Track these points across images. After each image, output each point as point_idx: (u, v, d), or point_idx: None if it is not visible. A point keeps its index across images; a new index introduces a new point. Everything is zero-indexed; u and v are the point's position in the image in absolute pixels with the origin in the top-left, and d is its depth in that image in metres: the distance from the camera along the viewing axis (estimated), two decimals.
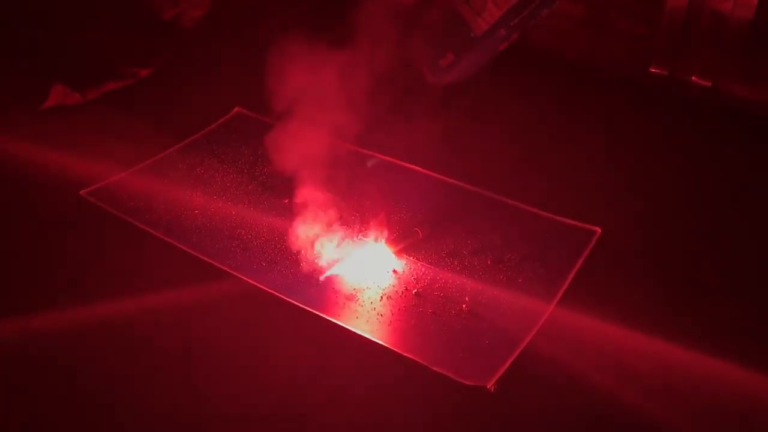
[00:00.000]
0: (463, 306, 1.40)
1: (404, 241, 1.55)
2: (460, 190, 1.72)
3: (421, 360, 1.28)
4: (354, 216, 1.61)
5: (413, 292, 1.44)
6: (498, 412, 1.21)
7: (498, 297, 1.42)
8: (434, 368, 1.27)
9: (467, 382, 1.24)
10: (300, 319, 1.38)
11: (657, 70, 2.02)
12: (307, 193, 1.55)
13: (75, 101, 2.00)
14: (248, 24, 2.41)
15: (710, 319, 1.37)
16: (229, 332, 1.37)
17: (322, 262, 1.50)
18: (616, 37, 2.10)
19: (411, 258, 1.52)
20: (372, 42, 1.56)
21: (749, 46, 1.88)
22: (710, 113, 1.95)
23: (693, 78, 1.98)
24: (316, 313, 1.38)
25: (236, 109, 2.02)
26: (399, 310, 1.40)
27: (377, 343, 1.33)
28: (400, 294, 1.44)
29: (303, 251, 1.51)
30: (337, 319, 1.37)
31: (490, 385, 1.24)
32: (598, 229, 1.56)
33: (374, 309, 1.40)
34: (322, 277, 1.47)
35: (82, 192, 1.68)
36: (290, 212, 1.59)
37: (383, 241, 1.54)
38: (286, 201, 1.64)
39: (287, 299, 1.41)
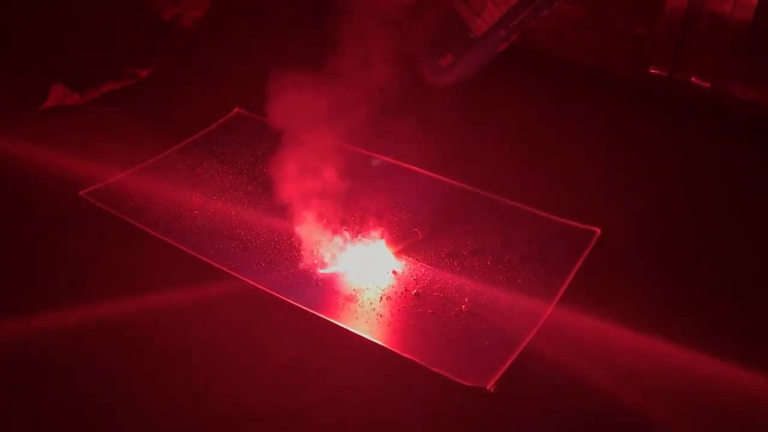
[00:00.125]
0: (463, 307, 1.40)
1: (404, 242, 1.55)
2: (460, 190, 1.72)
3: (420, 361, 1.28)
4: (354, 217, 1.61)
5: (413, 292, 1.44)
6: (498, 412, 1.21)
7: (498, 297, 1.42)
8: (434, 369, 1.27)
9: (467, 383, 1.24)
10: (299, 320, 1.38)
11: (656, 71, 2.02)
12: (307, 194, 1.55)
13: (75, 101, 2.00)
14: (248, 24, 2.41)
15: (710, 319, 1.38)
16: (229, 332, 1.37)
17: (322, 263, 1.50)
18: (616, 38, 2.10)
19: (410, 258, 1.52)
20: (372, 42, 1.56)
21: (748, 47, 1.88)
22: (710, 114, 1.95)
23: (692, 79, 1.98)
24: (316, 313, 1.38)
25: (236, 109, 2.02)
26: (398, 310, 1.40)
27: (377, 344, 1.33)
28: (400, 294, 1.44)
29: (302, 252, 1.51)
30: (337, 320, 1.38)
31: (490, 385, 1.24)
32: (598, 230, 1.56)
33: (374, 309, 1.40)
34: (321, 278, 1.47)
35: (81, 192, 1.68)
36: (290, 213, 1.59)
37: (383, 241, 1.54)
38: (287, 202, 1.64)
39: (287, 300, 1.41)
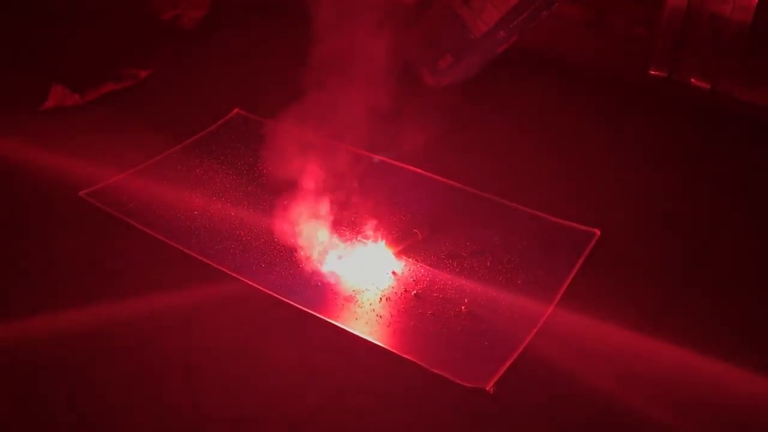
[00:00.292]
0: (463, 307, 1.40)
1: (403, 243, 1.54)
2: (460, 191, 1.72)
3: (420, 362, 1.28)
4: (353, 217, 1.61)
5: (412, 293, 1.44)
6: (497, 413, 1.21)
7: (497, 298, 1.42)
8: (433, 370, 1.27)
9: (466, 384, 1.24)
10: (299, 321, 1.38)
11: (656, 73, 2.03)
12: (306, 194, 1.55)
13: (74, 102, 2.00)
14: (248, 25, 2.41)
15: (710, 320, 1.38)
16: (229, 333, 1.37)
17: (322, 264, 1.50)
18: (616, 40, 2.10)
19: (410, 259, 1.52)
20: (371, 43, 1.56)
21: (748, 49, 1.89)
22: (709, 115, 1.96)
23: (692, 80, 1.99)
24: (316, 314, 1.38)
25: (236, 110, 2.02)
26: (398, 311, 1.40)
27: (376, 345, 1.33)
28: (400, 295, 1.44)
29: (302, 252, 1.51)
30: (336, 321, 1.37)
31: (490, 386, 1.24)
32: (597, 231, 1.56)
33: (373, 310, 1.40)
34: (321, 279, 1.47)
35: (81, 193, 1.68)
36: (290, 213, 1.59)
37: (382, 242, 1.54)
38: (286, 202, 1.64)
39: (286, 300, 1.41)
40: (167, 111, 2.03)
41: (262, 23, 2.41)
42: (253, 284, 1.44)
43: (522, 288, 1.44)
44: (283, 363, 1.31)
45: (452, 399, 1.23)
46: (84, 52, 2.08)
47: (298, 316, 1.38)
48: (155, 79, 2.14)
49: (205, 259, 1.50)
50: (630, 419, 1.20)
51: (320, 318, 1.38)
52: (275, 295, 1.42)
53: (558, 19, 2.07)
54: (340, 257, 1.52)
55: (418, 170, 1.78)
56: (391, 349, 1.32)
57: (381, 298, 1.43)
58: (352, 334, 1.35)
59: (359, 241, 1.57)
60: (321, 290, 1.45)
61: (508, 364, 1.28)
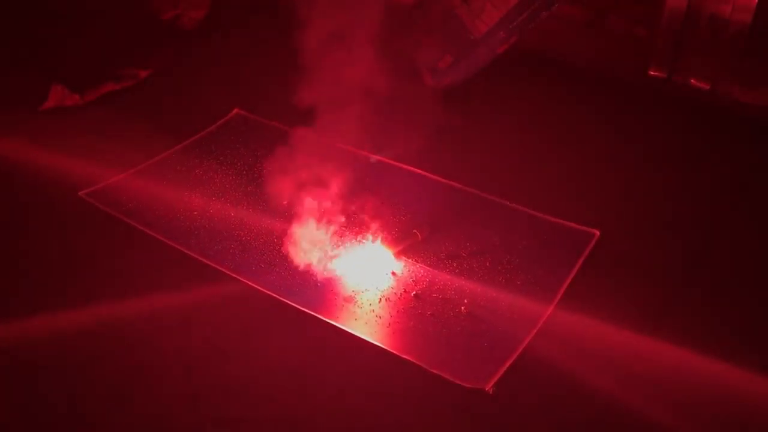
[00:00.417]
0: (462, 308, 1.40)
1: (403, 243, 1.54)
2: (459, 192, 1.72)
3: (419, 362, 1.28)
4: (353, 218, 1.61)
5: (412, 294, 1.44)
6: (497, 413, 1.21)
7: (497, 299, 1.42)
8: (433, 370, 1.27)
9: (466, 384, 1.24)
10: (298, 321, 1.38)
11: (656, 73, 2.03)
12: (306, 194, 1.55)
13: (74, 102, 2.00)
14: (247, 25, 2.41)
15: (709, 320, 1.38)
16: (228, 333, 1.37)
17: (321, 264, 1.50)
18: (615, 40, 2.10)
19: (410, 260, 1.52)
20: (371, 43, 1.56)
21: (748, 49, 1.88)
22: (709, 115, 1.95)
23: (692, 81, 1.98)
24: (315, 315, 1.38)
25: (235, 110, 2.02)
26: (398, 312, 1.40)
27: (376, 346, 1.33)
28: (399, 296, 1.44)
29: (302, 253, 1.51)
30: (336, 321, 1.37)
31: (489, 387, 1.24)
32: (597, 232, 1.56)
33: (373, 311, 1.40)
34: (320, 279, 1.47)
35: (81, 193, 1.68)
36: (289, 214, 1.59)
37: (382, 242, 1.54)
38: (286, 203, 1.64)
39: (286, 301, 1.41)
40: (167, 111, 2.04)
41: (262, 23, 2.41)
42: (253, 284, 1.44)
43: (522, 288, 1.44)
44: (283, 363, 1.31)
45: (452, 399, 1.23)
46: (84, 52, 2.08)
47: (297, 317, 1.38)
48: (155, 79, 2.14)
49: (204, 260, 1.50)
50: (630, 419, 1.20)
51: (320, 318, 1.38)
52: (275, 295, 1.42)
53: (558, 20, 2.07)
54: (339, 258, 1.52)
55: (418, 170, 1.78)
56: (391, 350, 1.32)
57: (380, 299, 1.43)
58: (352, 334, 1.35)
59: (359, 241, 1.57)
60: (320, 290, 1.45)
61: (507, 364, 1.28)
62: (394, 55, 1.58)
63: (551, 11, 1.49)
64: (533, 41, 2.07)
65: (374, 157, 1.80)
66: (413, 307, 1.41)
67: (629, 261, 1.52)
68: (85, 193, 1.68)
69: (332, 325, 1.37)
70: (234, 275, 1.47)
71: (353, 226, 1.59)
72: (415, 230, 1.56)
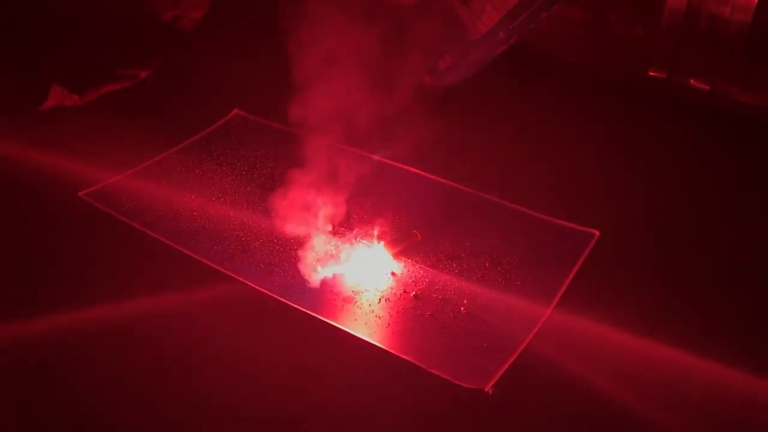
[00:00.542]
0: (462, 308, 1.40)
1: (402, 244, 1.55)
2: (459, 192, 1.72)
3: (419, 362, 1.28)
4: (353, 218, 1.61)
5: (411, 294, 1.44)
6: (496, 414, 1.22)
7: (496, 299, 1.42)
8: (432, 371, 1.27)
9: (466, 385, 1.24)
10: (298, 322, 1.38)
11: (655, 74, 2.03)
12: (306, 195, 1.55)
13: (74, 102, 2.00)
14: (247, 25, 2.41)
15: (709, 322, 1.38)
16: (228, 334, 1.37)
17: (321, 265, 1.50)
18: (615, 40, 2.10)
19: (409, 260, 1.52)
20: (371, 44, 1.56)
21: (748, 50, 1.88)
22: (709, 115, 1.95)
23: (691, 81, 1.98)
24: (315, 315, 1.39)
25: (235, 110, 2.02)
26: (397, 312, 1.40)
27: (375, 346, 1.33)
28: (399, 296, 1.44)
29: (301, 254, 1.51)
30: (336, 322, 1.38)
31: (489, 387, 1.24)
32: (597, 232, 1.56)
33: (372, 311, 1.40)
34: (320, 280, 1.47)
35: (80, 193, 1.68)
36: (289, 214, 1.59)
37: (382, 243, 1.54)
38: (285, 203, 1.64)
39: (285, 301, 1.41)
40: (167, 111, 2.03)
41: (262, 23, 2.41)
42: (252, 285, 1.44)
43: (521, 289, 1.44)
44: (283, 363, 1.31)
45: (451, 400, 1.23)
46: (84, 53, 2.08)
47: (297, 317, 1.38)
48: (155, 79, 2.14)
49: (204, 260, 1.50)
50: (629, 419, 1.20)
51: (319, 319, 1.38)
52: (274, 295, 1.42)
53: (558, 20, 2.07)
54: (339, 258, 1.52)
55: (417, 171, 1.78)
56: (390, 350, 1.32)
57: (380, 299, 1.43)
58: (351, 335, 1.35)
59: (358, 242, 1.57)
60: (320, 291, 1.45)
61: (507, 365, 1.28)
62: (393, 55, 1.58)
63: (551, 12, 1.49)
64: (533, 41, 2.07)
65: (374, 158, 1.79)
66: (413, 308, 1.41)
67: (629, 261, 1.52)
68: (85, 194, 1.68)
69: (332, 325, 1.37)
70: (234, 276, 1.47)
71: (353, 227, 1.59)
72: (414, 231, 1.56)
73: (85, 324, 1.36)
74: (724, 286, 1.47)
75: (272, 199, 1.60)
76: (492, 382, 1.24)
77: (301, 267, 1.49)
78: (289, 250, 1.53)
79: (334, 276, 1.48)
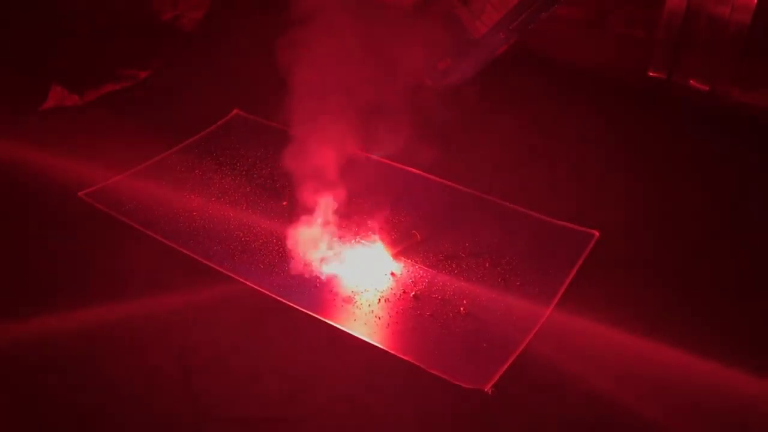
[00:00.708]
0: (461, 309, 1.40)
1: (402, 244, 1.55)
2: (459, 192, 1.72)
3: (418, 363, 1.28)
4: (352, 218, 1.61)
5: (411, 294, 1.44)
6: (496, 414, 1.22)
7: (496, 300, 1.42)
8: (432, 371, 1.27)
9: (465, 385, 1.24)
10: (298, 322, 1.38)
11: (655, 74, 2.03)
12: (305, 195, 1.55)
13: (74, 102, 2.00)
14: (247, 25, 2.41)
15: (708, 322, 1.38)
16: (227, 334, 1.37)
17: (320, 265, 1.50)
18: (615, 41, 2.10)
19: (409, 261, 1.52)
20: (371, 44, 1.56)
21: (747, 50, 1.89)
22: (709, 115, 1.96)
23: (691, 82, 1.98)
24: (314, 315, 1.39)
25: (235, 110, 2.02)
26: (397, 312, 1.40)
27: (375, 346, 1.33)
28: (398, 297, 1.44)
29: (301, 254, 1.51)
30: (335, 322, 1.38)
31: (488, 387, 1.24)
32: (596, 233, 1.57)
33: (372, 312, 1.41)
34: (319, 280, 1.47)
35: (80, 193, 1.68)
36: (289, 215, 1.59)
37: (381, 243, 1.54)
38: (285, 203, 1.65)
39: (285, 302, 1.41)
40: (167, 111, 2.04)
41: (262, 23, 2.41)
42: (252, 285, 1.45)
43: (521, 289, 1.44)
44: (282, 364, 1.31)
45: (451, 400, 1.23)
46: (84, 52, 2.08)
47: (296, 317, 1.38)
48: (155, 80, 2.14)
49: (204, 260, 1.50)
50: (628, 420, 1.20)
51: (319, 319, 1.38)
52: (274, 296, 1.42)
53: (557, 21, 2.07)
54: (339, 258, 1.52)
55: (417, 171, 1.78)
56: (390, 350, 1.32)
57: (380, 300, 1.43)
58: (351, 335, 1.35)
59: (358, 242, 1.57)
60: (320, 291, 1.45)
61: (506, 365, 1.28)
62: (393, 55, 1.58)
63: (551, 12, 1.49)
64: (533, 41, 2.07)
65: (373, 158, 1.80)
66: (412, 308, 1.41)
67: (628, 262, 1.52)
68: (85, 194, 1.68)
69: (331, 325, 1.37)
70: (233, 276, 1.47)
71: (352, 227, 1.59)
72: (414, 231, 1.56)
73: (85, 324, 1.36)
74: (724, 286, 1.47)
75: (273, 200, 1.60)
76: (492, 382, 1.24)
77: (302, 267, 1.49)
78: (290, 250, 1.53)
79: (334, 276, 1.48)
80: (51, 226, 1.62)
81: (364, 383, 1.29)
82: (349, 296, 1.44)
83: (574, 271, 1.47)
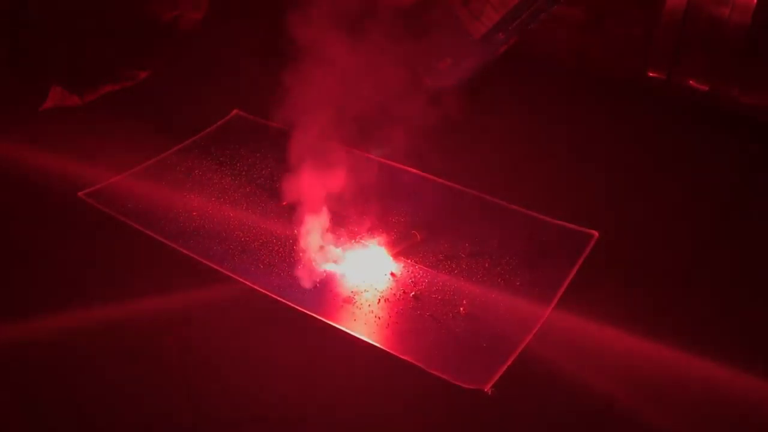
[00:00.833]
0: (461, 309, 1.40)
1: (402, 244, 1.55)
2: (458, 193, 1.72)
3: (418, 363, 1.29)
4: (352, 219, 1.61)
5: (411, 295, 1.44)
6: (495, 415, 1.22)
7: (496, 300, 1.42)
8: (432, 371, 1.27)
9: (465, 385, 1.24)
10: (297, 322, 1.38)
11: (655, 75, 2.03)
12: (305, 195, 1.55)
13: (74, 103, 2.00)
14: (247, 26, 2.41)
15: (708, 322, 1.38)
16: (227, 334, 1.37)
17: (320, 265, 1.50)
18: (614, 41, 2.10)
19: (409, 261, 1.52)
20: (371, 45, 1.56)
21: (746, 51, 1.89)
22: (709, 115, 1.96)
23: (690, 82, 1.98)
24: (314, 315, 1.39)
25: (234, 111, 2.02)
26: (396, 312, 1.40)
27: (375, 346, 1.33)
28: (398, 297, 1.44)
29: (301, 254, 1.51)
30: (335, 322, 1.38)
31: (488, 388, 1.24)
32: (596, 233, 1.57)
33: (372, 312, 1.41)
34: (319, 280, 1.47)
35: (80, 193, 1.68)
36: (288, 215, 1.59)
37: (381, 243, 1.54)
38: (285, 204, 1.65)
39: (285, 302, 1.41)
40: (166, 112, 2.03)
41: (262, 23, 2.41)
42: (252, 285, 1.45)
43: (520, 289, 1.44)
44: (282, 364, 1.32)
45: (451, 400, 1.23)
46: (83, 53, 2.08)
47: (296, 318, 1.38)
48: (154, 80, 2.14)
49: (204, 260, 1.50)
50: (628, 420, 1.20)
51: (319, 319, 1.38)
52: (273, 296, 1.42)
53: (557, 21, 2.07)
54: (338, 259, 1.52)
55: (417, 171, 1.78)
56: (390, 351, 1.32)
57: (379, 300, 1.43)
58: (351, 335, 1.35)
59: (358, 242, 1.57)
60: (319, 291, 1.45)
61: (506, 365, 1.28)
62: (392, 55, 1.58)
63: (550, 13, 1.49)
64: (533, 42, 2.07)
65: (373, 158, 1.80)
66: (412, 308, 1.41)
67: (628, 262, 1.52)
68: (85, 194, 1.68)
69: (331, 325, 1.37)
70: (233, 276, 1.47)
71: (352, 227, 1.59)
72: (413, 231, 1.57)
73: (85, 324, 1.36)
74: (724, 286, 1.47)
75: (273, 200, 1.60)
76: (492, 383, 1.25)
77: (300, 266, 1.49)
78: (289, 250, 1.53)
79: (334, 276, 1.48)
80: (51, 226, 1.62)
81: (364, 383, 1.29)
82: (349, 296, 1.44)
83: (574, 271, 1.47)
